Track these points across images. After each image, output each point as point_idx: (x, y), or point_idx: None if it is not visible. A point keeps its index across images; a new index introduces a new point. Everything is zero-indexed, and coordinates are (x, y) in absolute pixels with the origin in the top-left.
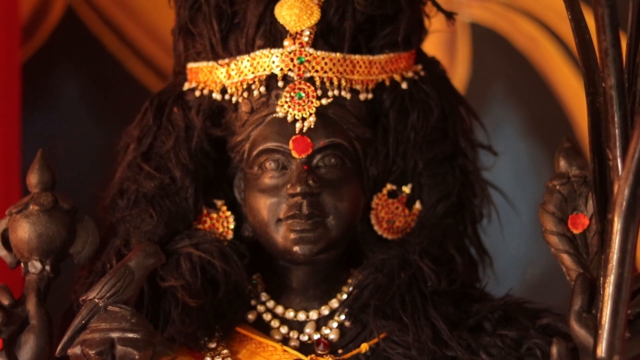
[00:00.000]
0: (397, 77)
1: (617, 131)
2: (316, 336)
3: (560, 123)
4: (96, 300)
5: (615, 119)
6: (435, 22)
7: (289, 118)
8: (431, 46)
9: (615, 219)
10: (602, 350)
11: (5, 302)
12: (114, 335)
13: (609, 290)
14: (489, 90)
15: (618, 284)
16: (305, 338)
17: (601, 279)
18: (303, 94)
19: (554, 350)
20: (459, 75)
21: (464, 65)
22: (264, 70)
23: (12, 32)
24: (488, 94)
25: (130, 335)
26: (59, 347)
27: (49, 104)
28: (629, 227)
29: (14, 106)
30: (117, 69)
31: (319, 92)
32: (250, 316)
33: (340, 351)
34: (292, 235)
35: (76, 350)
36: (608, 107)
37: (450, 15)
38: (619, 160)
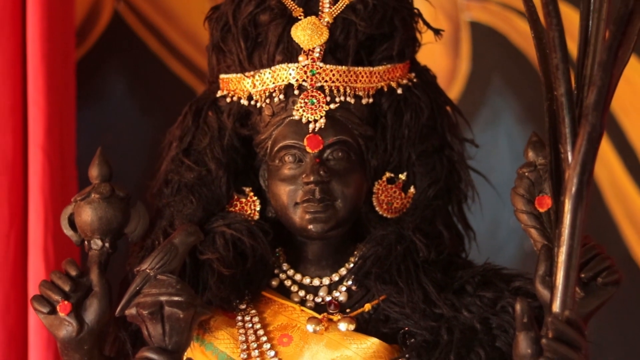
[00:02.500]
0: (393, 84)
1: (567, 130)
2: (328, 298)
3: None
4: (148, 270)
5: (566, 120)
6: (441, 24)
7: (304, 120)
8: (438, 44)
9: (566, 201)
10: (556, 306)
11: (73, 273)
12: (163, 298)
13: (561, 258)
14: (489, 83)
15: (569, 253)
16: (319, 300)
17: (556, 249)
18: (315, 100)
19: (517, 307)
20: (462, 70)
21: (466, 60)
22: (283, 80)
23: (68, 36)
24: (488, 86)
25: (176, 298)
26: (118, 309)
27: (99, 99)
28: (577, 207)
29: (70, 102)
30: (158, 67)
31: (328, 99)
32: (274, 282)
33: (348, 310)
34: (307, 216)
35: (132, 311)
36: (559, 111)
37: (437, 32)
38: (569, 154)
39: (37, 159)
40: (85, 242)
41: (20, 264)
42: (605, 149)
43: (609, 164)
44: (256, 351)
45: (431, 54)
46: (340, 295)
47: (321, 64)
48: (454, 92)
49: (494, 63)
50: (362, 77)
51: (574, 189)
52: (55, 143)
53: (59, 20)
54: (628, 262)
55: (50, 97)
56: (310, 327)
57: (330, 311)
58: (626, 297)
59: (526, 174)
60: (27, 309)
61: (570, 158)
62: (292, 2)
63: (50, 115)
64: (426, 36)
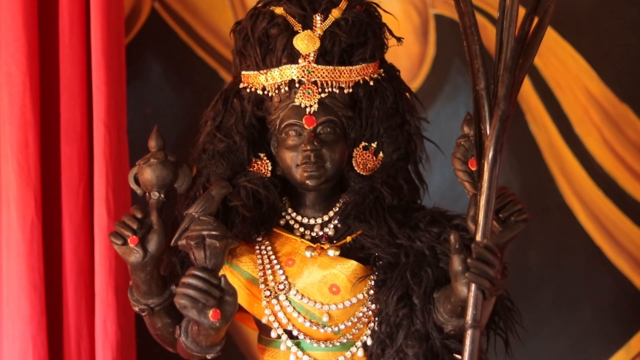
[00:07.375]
0: (367, 78)
1: (486, 114)
2: (320, 233)
3: None
4: (193, 213)
5: (485, 107)
6: (412, 17)
7: (302, 105)
8: (411, 33)
9: (485, 163)
10: (478, 236)
11: (139, 215)
12: (204, 233)
13: (482, 203)
14: (451, 65)
15: (487, 200)
16: (314, 234)
17: (478, 197)
18: (310, 91)
19: (451, 237)
20: (430, 54)
21: (432, 46)
22: (287, 77)
23: (120, 36)
24: (450, 67)
25: (214, 232)
26: (172, 241)
27: (141, 79)
28: (493, 168)
29: (122, 86)
30: (188, 53)
31: (320, 90)
32: (282, 222)
33: (335, 241)
34: (305, 174)
35: (183, 242)
36: (480, 100)
37: (399, 39)
38: (488, 130)
39: (99, 130)
40: (147, 194)
41: (88, 210)
42: (544, 117)
43: (547, 129)
44: (269, 270)
45: (406, 41)
46: (329, 230)
47: (315, 65)
48: (423, 71)
49: (455, 49)
50: (344, 73)
51: (490, 155)
52: (113, 118)
53: (113, 23)
54: (562, 207)
55: (109, 84)
56: (308, 253)
57: (322, 242)
58: (560, 237)
59: (462, 142)
60: (93, 245)
61: (488, 133)
62: (293, 20)
63: (109, 98)
64: (402, 32)
